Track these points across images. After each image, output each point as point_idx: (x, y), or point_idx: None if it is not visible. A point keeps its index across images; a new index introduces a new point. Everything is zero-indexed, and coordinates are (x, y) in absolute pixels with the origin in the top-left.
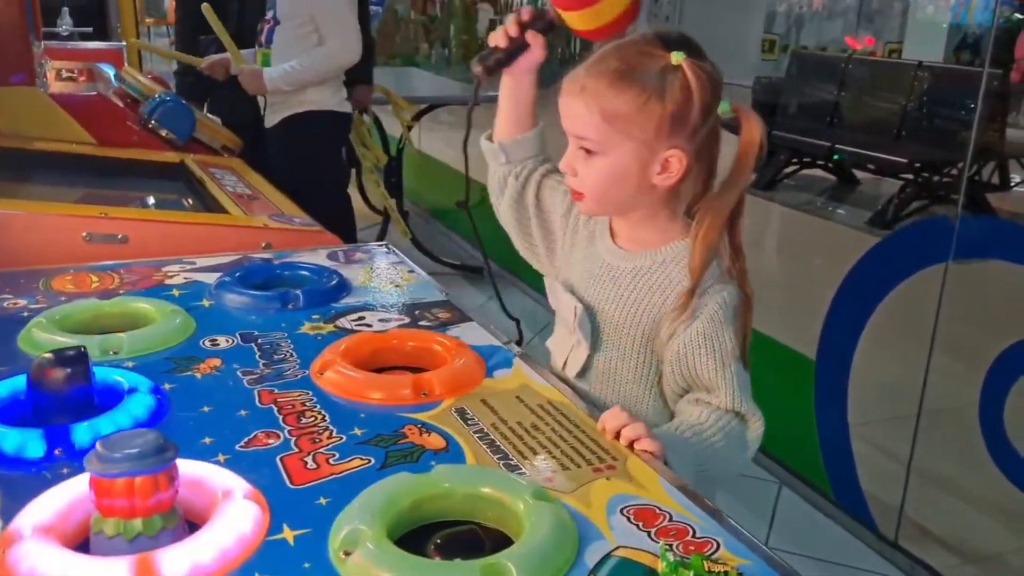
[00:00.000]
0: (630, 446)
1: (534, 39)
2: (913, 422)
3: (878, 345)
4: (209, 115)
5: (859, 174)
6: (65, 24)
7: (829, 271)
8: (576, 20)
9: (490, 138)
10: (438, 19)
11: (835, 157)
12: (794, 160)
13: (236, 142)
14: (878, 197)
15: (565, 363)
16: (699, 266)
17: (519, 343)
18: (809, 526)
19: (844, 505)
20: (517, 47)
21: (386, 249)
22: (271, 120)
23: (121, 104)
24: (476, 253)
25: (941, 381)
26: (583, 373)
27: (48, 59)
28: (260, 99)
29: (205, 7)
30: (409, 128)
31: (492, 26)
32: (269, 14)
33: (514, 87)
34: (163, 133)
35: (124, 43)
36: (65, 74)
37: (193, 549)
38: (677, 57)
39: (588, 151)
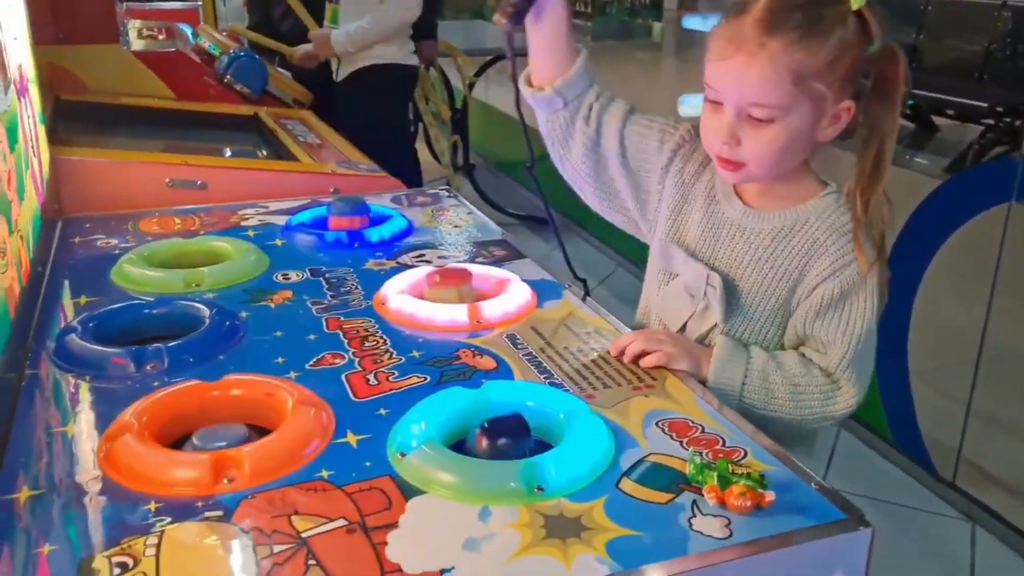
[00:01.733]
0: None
1: None
2: (973, 365)
3: (939, 288)
4: (280, 69)
5: (939, 120)
6: None
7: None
8: None
9: (530, 82)
10: None
11: (909, 103)
12: None
13: (307, 95)
14: (958, 144)
15: (684, 327)
16: (874, 226)
17: (584, 298)
18: (868, 467)
19: (903, 447)
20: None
21: (447, 193)
22: (341, 74)
23: (198, 60)
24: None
25: (1002, 323)
26: (703, 339)
27: (130, 18)
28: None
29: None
30: (471, 85)
31: None
32: None
33: (546, 19)
34: (238, 87)
35: (199, 2)
36: (146, 32)
37: (268, 446)
38: (857, 1)
39: (764, 120)
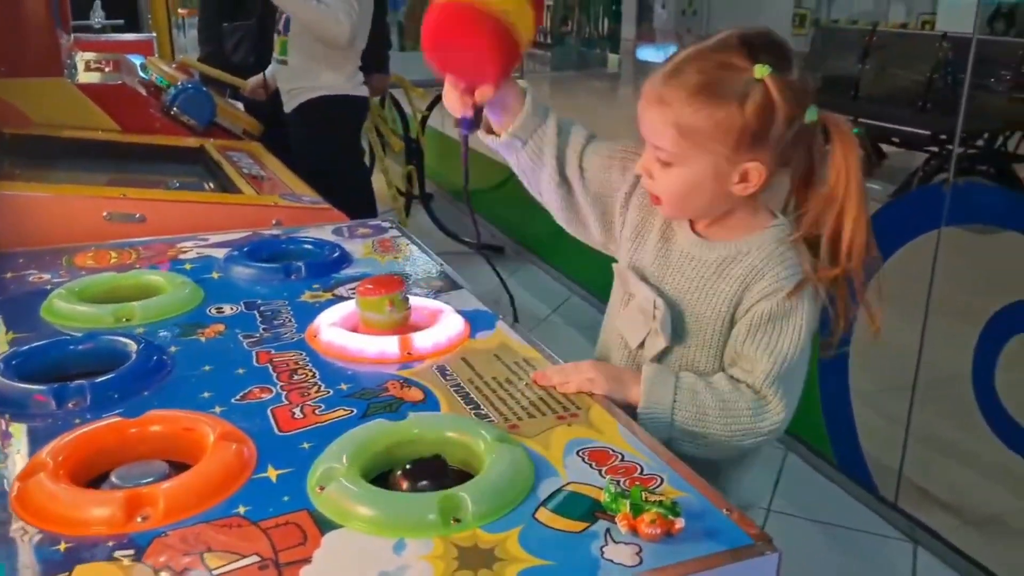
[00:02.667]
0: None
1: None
2: (910, 387)
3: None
4: (232, 101)
5: (887, 148)
6: (98, 17)
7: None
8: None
9: (489, 130)
10: None
11: (854, 132)
12: None
13: (256, 127)
14: (905, 170)
15: (642, 343)
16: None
17: (513, 322)
18: (812, 489)
19: (846, 468)
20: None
21: (389, 224)
22: (289, 105)
23: (145, 92)
24: (498, 232)
25: (936, 346)
26: (659, 360)
27: (78, 51)
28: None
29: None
30: (424, 119)
31: None
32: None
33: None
34: (184, 119)
35: (154, 34)
36: (93, 65)
37: (185, 483)
38: (761, 71)
39: (665, 162)
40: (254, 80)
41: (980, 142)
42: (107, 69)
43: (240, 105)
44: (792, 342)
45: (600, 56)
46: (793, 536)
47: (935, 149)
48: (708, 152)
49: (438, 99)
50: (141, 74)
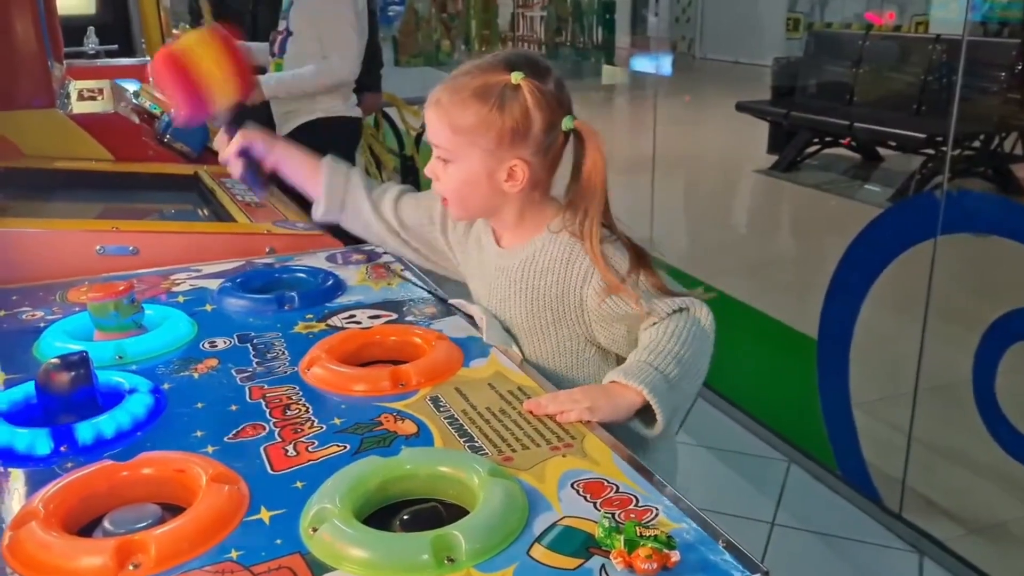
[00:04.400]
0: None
1: (249, 136)
2: (911, 396)
3: (876, 319)
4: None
5: (884, 151)
6: (91, 43)
7: (831, 250)
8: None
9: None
10: (458, 17)
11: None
12: (815, 140)
13: None
14: (902, 174)
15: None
16: (602, 268)
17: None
18: (817, 502)
19: (849, 479)
20: (249, 156)
21: (382, 249)
22: (284, 129)
23: (138, 120)
24: None
25: (936, 354)
26: (524, 358)
27: (71, 79)
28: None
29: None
30: (418, 136)
31: (513, 20)
32: (282, 25)
33: (282, 162)
34: (177, 147)
35: (148, 58)
36: (87, 94)
37: (177, 528)
38: (516, 77)
39: (444, 160)
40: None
41: (977, 144)
42: (100, 97)
43: None
44: (634, 275)
45: (595, 67)
46: (797, 549)
47: (931, 152)
48: (477, 147)
49: None
50: (134, 100)
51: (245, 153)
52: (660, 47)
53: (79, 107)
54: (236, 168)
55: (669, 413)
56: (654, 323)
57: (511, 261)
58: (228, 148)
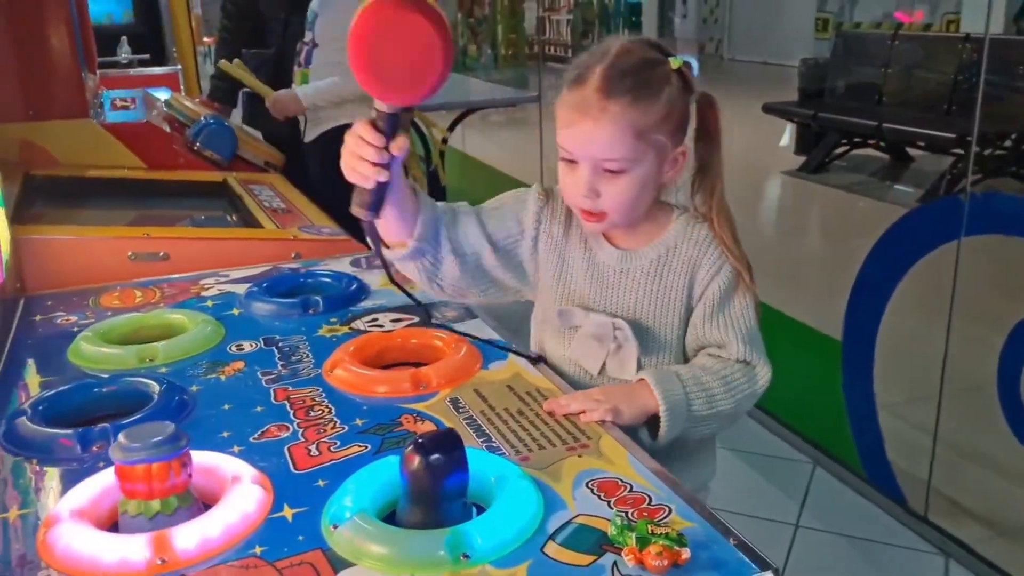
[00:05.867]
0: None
1: (404, 145)
2: (936, 397)
3: (902, 320)
4: (247, 128)
5: (914, 151)
6: (124, 52)
7: (857, 251)
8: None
9: (386, 245)
10: (485, 21)
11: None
12: (843, 141)
13: (277, 158)
14: (932, 174)
15: (602, 368)
16: (729, 236)
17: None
18: (842, 504)
19: (874, 481)
20: (379, 184)
21: None
22: (310, 135)
23: (169, 129)
24: None
25: (961, 355)
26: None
27: (104, 88)
28: (300, 116)
29: (235, 64)
30: (444, 140)
31: (539, 24)
32: (308, 36)
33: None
34: (207, 154)
35: (179, 67)
36: (119, 103)
37: (203, 526)
38: (676, 62)
39: (615, 171)
40: (283, 93)
41: (1008, 143)
42: (132, 107)
43: (258, 134)
44: (745, 306)
45: None
46: (822, 551)
47: (962, 152)
48: (656, 146)
49: (457, 120)
50: (166, 109)
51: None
52: (687, 49)
53: (113, 116)
54: (370, 175)
55: (671, 438)
56: (718, 356)
57: (637, 263)
58: (378, 152)
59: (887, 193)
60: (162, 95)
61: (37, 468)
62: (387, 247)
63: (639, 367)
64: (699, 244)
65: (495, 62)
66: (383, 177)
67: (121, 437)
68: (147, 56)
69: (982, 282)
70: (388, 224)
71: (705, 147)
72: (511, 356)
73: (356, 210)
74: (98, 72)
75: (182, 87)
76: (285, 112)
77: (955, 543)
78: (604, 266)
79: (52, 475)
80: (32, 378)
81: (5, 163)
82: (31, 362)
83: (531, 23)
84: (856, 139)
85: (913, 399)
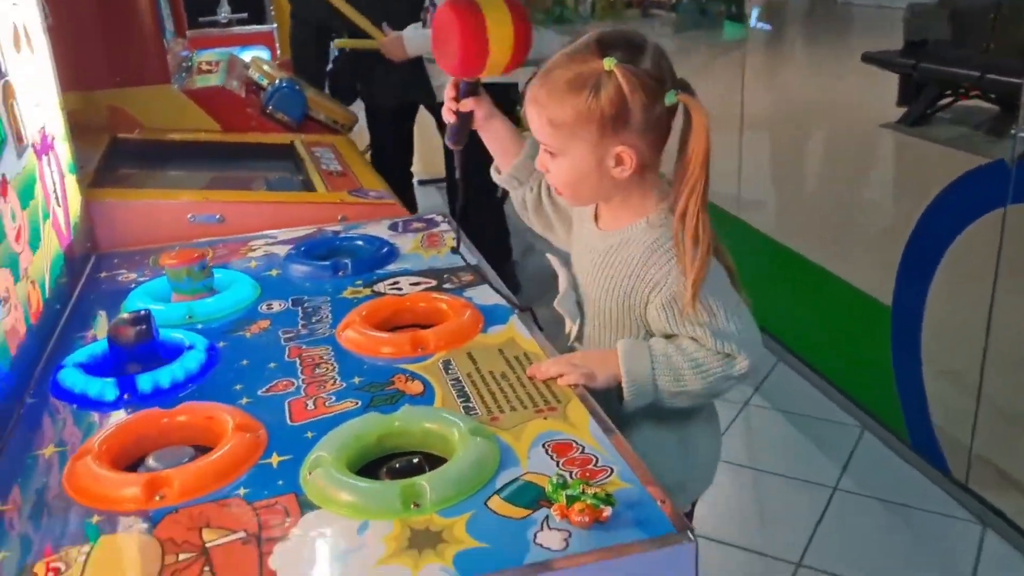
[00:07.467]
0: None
1: (472, 105)
2: (979, 365)
3: (950, 285)
4: (322, 93)
5: None
6: (223, 12)
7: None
8: (485, 74)
9: (498, 169)
10: None
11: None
12: (948, 92)
13: (348, 118)
14: None
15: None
16: (692, 245)
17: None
18: (883, 469)
19: (917, 448)
20: (464, 116)
21: (442, 218)
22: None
23: (243, 93)
24: None
25: (1005, 323)
26: (579, 340)
27: (193, 52)
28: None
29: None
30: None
31: None
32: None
33: (488, 133)
34: (279, 116)
35: (275, 25)
36: (204, 67)
37: (197, 468)
38: (608, 63)
39: (551, 153)
40: (391, 36)
41: None
42: (215, 70)
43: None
44: (706, 310)
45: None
46: (856, 515)
47: None
48: (580, 139)
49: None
50: (247, 73)
51: (463, 115)
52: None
53: (200, 80)
54: (450, 118)
55: (637, 405)
56: (696, 340)
57: (600, 243)
58: (455, 104)
59: (990, 147)
60: (247, 56)
61: (75, 413)
62: (498, 172)
63: (581, 336)
64: (648, 247)
65: (592, 12)
66: (451, 118)
67: None
68: (244, 15)
69: None
70: (491, 150)
71: (680, 149)
72: (511, 320)
73: (448, 143)
74: (189, 33)
75: (276, 45)
76: (392, 55)
77: (994, 512)
78: (583, 238)
79: (86, 418)
80: (87, 330)
81: (95, 127)
82: (100, 313)
83: None
84: (960, 90)
85: (958, 365)
